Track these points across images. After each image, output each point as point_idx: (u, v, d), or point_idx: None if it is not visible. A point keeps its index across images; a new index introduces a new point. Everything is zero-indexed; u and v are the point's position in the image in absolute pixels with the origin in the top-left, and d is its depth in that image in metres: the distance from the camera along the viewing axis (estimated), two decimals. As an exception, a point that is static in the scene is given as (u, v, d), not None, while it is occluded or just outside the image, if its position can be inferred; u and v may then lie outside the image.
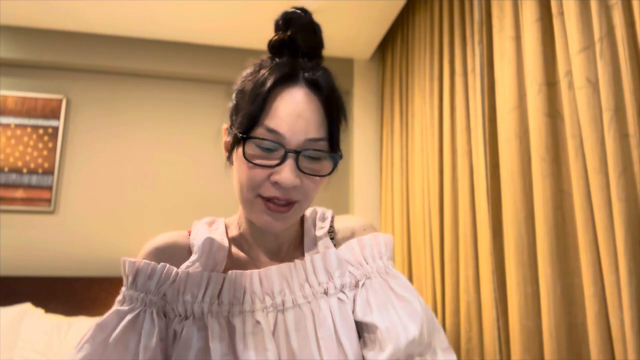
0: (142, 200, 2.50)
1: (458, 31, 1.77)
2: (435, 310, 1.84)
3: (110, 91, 2.59)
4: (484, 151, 1.52)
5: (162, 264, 0.60)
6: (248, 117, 0.57)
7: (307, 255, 0.65)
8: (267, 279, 0.62)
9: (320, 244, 0.67)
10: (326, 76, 0.61)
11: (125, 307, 0.58)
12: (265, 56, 0.63)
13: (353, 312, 0.62)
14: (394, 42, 2.54)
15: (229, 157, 0.63)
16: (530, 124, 1.29)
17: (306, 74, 0.59)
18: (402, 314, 0.60)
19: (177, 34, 2.53)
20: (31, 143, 2.43)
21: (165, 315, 0.60)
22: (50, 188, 2.41)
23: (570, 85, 1.15)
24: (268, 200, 0.58)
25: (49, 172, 2.42)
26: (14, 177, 2.38)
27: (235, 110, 0.62)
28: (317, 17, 0.65)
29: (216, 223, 0.70)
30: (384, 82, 2.68)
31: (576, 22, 1.12)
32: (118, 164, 2.52)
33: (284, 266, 0.63)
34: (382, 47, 2.73)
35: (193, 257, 0.62)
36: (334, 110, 0.60)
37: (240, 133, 0.57)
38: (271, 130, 0.56)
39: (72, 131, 2.51)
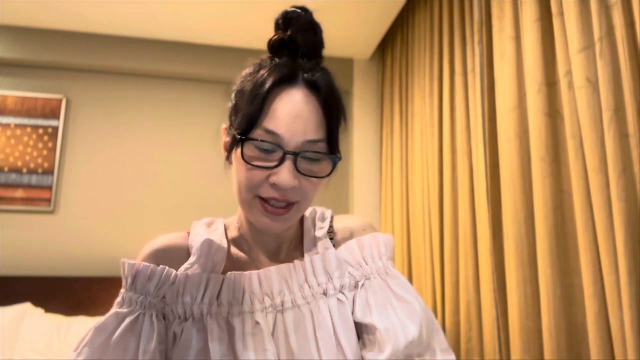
0: (142, 200, 2.50)
1: (458, 31, 1.77)
2: (435, 310, 1.84)
3: (110, 91, 2.59)
4: (484, 151, 1.52)
5: (161, 266, 0.60)
6: (247, 119, 0.57)
7: (306, 256, 0.65)
8: (267, 280, 0.62)
9: (320, 244, 0.67)
10: (325, 77, 0.60)
11: (124, 310, 0.58)
12: (265, 56, 0.63)
13: (352, 313, 0.62)
14: (394, 42, 2.54)
15: (228, 157, 0.63)
16: (530, 124, 1.29)
17: (305, 75, 0.59)
18: (401, 315, 0.60)
19: (177, 34, 2.53)
20: (31, 143, 2.43)
21: (165, 318, 0.60)
22: (50, 188, 2.41)
23: (570, 85, 1.15)
24: (266, 201, 0.58)
25: (49, 172, 2.42)
26: (14, 177, 2.38)
27: (235, 110, 0.61)
28: (317, 17, 0.64)
29: (215, 224, 0.70)
30: (384, 82, 2.68)
31: (576, 22, 1.12)
32: (118, 164, 2.52)
33: (284, 267, 0.63)
34: (382, 47, 2.73)
35: (192, 259, 0.62)
36: (333, 112, 0.60)
37: (239, 134, 0.57)
38: (270, 132, 0.56)
39: (72, 131, 2.51)
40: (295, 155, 0.56)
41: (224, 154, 0.65)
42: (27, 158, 2.41)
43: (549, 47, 1.26)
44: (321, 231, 0.69)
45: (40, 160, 2.42)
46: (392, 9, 2.28)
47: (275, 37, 0.62)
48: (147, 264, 0.60)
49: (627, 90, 1.00)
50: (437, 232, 1.83)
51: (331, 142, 0.59)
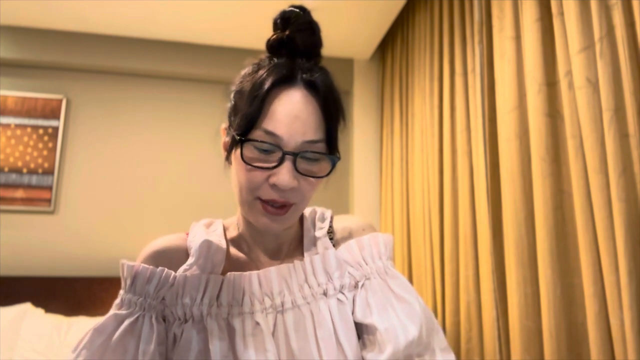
0: (142, 200, 2.51)
1: (458, 31, 1.77)
2: (435, 310, 1.84)
3: (110, 91, 2.59)
4: (484, 151, 1.52)
5: (160, 267, 0.60)
6: (246, 119, 0.57)
7: (306, 256, 0.65)
8: (266, 280, 0.62)
9: (320, 244, 0.67)
10: (324, 77, 0.60)
11: (123, 311, 0.58)
12: (264, 56, 0.63)
13: (352, 313, 0.62)
14: (394, 42, 2.54)
15: (227, 158, 0.63)
16: (530, 124, 1.29)
17: (304, 75, 0.59)
18: (401, 315, 0.60)
19: (177, 34, 2.53)
20: (31, 143, 2.43)
21: (164, 319, 0.60)
22: (50, 188, 2.41)
23: (570, 85, 1.15)
24: (266, 202, 0.58)
25: (49, 172, 2.42)
26: (14, 177, 2.38)
27: (234, 111, 0.61)
28: (317, 17, 0.64)
29: (214, 225, 0.70)
30: (384, 82, 2.68)
31: (576, 22, 1.12)
32: (118, 164, 2.52)
33: (283, 267, 0.63)
34: (382, 47, 2.72)
35: (190, 259, 0.62)
36: (332, 111, 0.60)
37: (238, 135, 0.57)
38: (269, 133, 0.56)
39: (72, 131, 2.51)
40: (295, 155, 0.56)
41: (223, 154, 0.65)
42: (27, 158, 2.41)
43: (549, 47, 1.26)
44: (321, 231, 0.69)
45: (40, 160, 2.42)
46: (392, 9, 2.28)
47: (274, 36, 0.62)
48: (146, 265, 0.60)
49: (627, 90, 1.00)
50: (437, 232, 1.83)
51: (330, 142, 0.59)
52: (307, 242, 0.68)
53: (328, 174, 0.60)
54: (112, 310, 0.59)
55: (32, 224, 2.37)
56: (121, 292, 0.61)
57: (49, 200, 2.39)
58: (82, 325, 2.02)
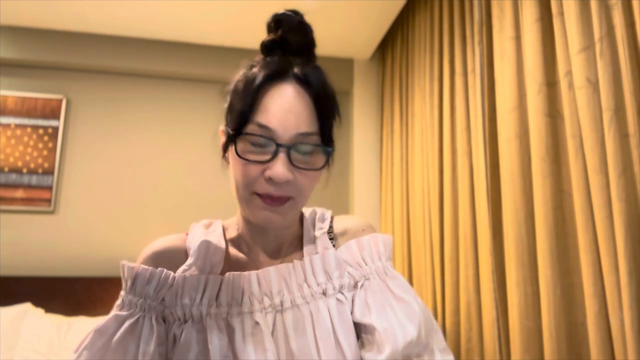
0: (142, 200, 2.51)
1: (458, 31, 1.77)
2: (435, 310, 1.84)
3: (110, 91, 2.59)
4: (484, 151, 1.52)
5: (159, 268, 0.60)
6: (239, 115, 0.58)
7: (305, 256, 0.65)
8: (266, 280, 0.62)
9: (319, 244, 0.67)
10: (317, 73, 0.61)
11: (124, 313, 0.59)
12: (258, 57, 0.64)
13: (351, 313, 0.62)
14: (394, 42, 2.54)
15: (224, 156, 0.64)
16: (530, 124, 1.29)
17: (296, 70, 0.60)
18: (400, 315, 0.60)
19: (177, 34, 2.53)
20: (31, 143, 2.43)
21: (164, 320, 0.60)
22: (50, 188, 2.41)
23: (570, 85, 1.15)
24: (263, 197, 0.58)
25: (49, 172, 2.42)
26: (14, 177, 2.38)
27: (229, 110, 0.62)
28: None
29: (213, 225, 0.70)
30: (384, 82, 2.68)
31: (576, 22, 1.12)
32: (118, 164, 2.52)
33: (283, 267, 0.63)
34: (382, 47, 2.73)
35: (189, 260, 0.62)
36: (324, 105, 0.60)
37: (232, 131, 0.58)
38: (262, 126, 0.57)
39: (72, 131, 2.51)
40: (289, 147, 0.57)
41: (221, 155, 0.65)
42: (27, 158, 2.41)
43: (549, 47, 1.26)
44: (320, 231, 0.69)
45: (40, 160, 2.42)
46: (392, 9, 2.28)
47: (267, 38, 0.64)
48: (146, 266, 0.60)
49: (627, 90, 1.00)
50: (437, 232, 1.83)
51: (323, 135, 0.60)
52: (306, 242, 0.68)
53: (323, 167, 0.61)
54: (113, 312, 0.60)
55: (32, 224, 2.37)
56: (122, 293, 0.61)
57: (49, 200, 2.39)
58: (82, 325, 2.02)
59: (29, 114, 2.45)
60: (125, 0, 2.18)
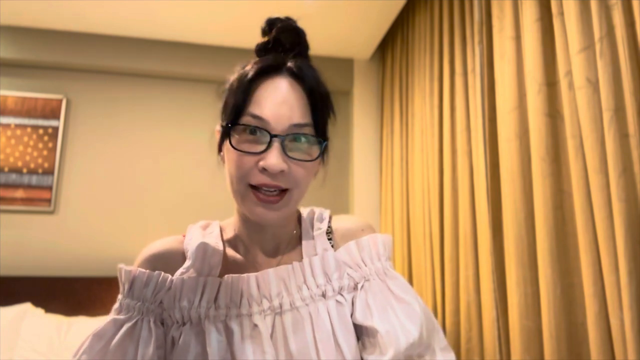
0: (142, 200, 2.51)
1: (458, 31, 1.77)
2: (435, 310, 1.84)
3: (110, 91, 2.59)
4: (484, 151, 1.52)
5: (157, 271, 0.60)
6: (233, 108, 0.58)
7: (305, 257, 0.65)
8: (264, 282, 0.62)
9: (319, 245, 0.67)
10: (310, 68, 0.62)
11: (122, 316, 0.59)
12: (252, 59, 0.65)
13: (352, 314, 0.62)
14: (394, 42, 2.54)
15: (220, 154, 0.64)
16: (530, 124, 1.29)
17: (289, 64, 0.61)
18: (401, 317, 0.60)
19: (177, 34, 2.53)
20: (31, 143, 2.43)
21: (162, 323, 0.60)
22: (50, 188, 2.41)
23: (570, 85, 1.15)
24: (258, 190, 0.58)
25: (49, 172, 2.42)
26: (14, 177, 2.38)
27: (224, 107, 0.63)
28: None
29: (211, 226, 0.70)
30: (384, 82, 2.68)
31: (576, 22, 1.12)
32: (118, 164, 2.52)
33: (282, 269, 0.63)
34: (382, 47, 2.72)
35: (187, 262, 0.62)
36: (318, 98, 0.61)
37: (226, 123, 0.59)
38: (256, 117, 0.57)
39: (72, 131, 2.51)
40: (282, 138, 0.57)
41: (218, 155, 0.66)
42: (27, 158, 2.41)
43: (549, 47, 1.26)
44: (319, 231, 0.69)
45: (40, 160, 2.42)
46: (392, 9, 2.28)
47: (261, 40, 0.65)
48: (143, 269, 0.60)
49: (627, 90, 1.00)
50: (437, 232, 1.83)
51: (317, 127, 0.60)
52: (305, 242, 0.67)
53: (317, 158, 0.61)
54: (111, 315, 0.60)
55: (32, 224, 2.37)
56: (119, 296, 0.61)
57: (49, 200, 2.39)
58: (82, 325, 2.02)
59: (29, 114, 2.45)
60: (125, 0, 2.18)
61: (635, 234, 0.96)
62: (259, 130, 0.57)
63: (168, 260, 0.63)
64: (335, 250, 0.66)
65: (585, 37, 1.10)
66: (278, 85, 0.59)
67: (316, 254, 0.65)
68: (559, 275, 1.16)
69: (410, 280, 2.11)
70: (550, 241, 1.18)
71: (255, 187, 0.58)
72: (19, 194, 2.37)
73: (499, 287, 1.39)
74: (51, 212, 2.40)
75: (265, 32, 0.66)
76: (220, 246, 0.65)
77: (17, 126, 2.43)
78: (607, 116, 1.02)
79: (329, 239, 0.68)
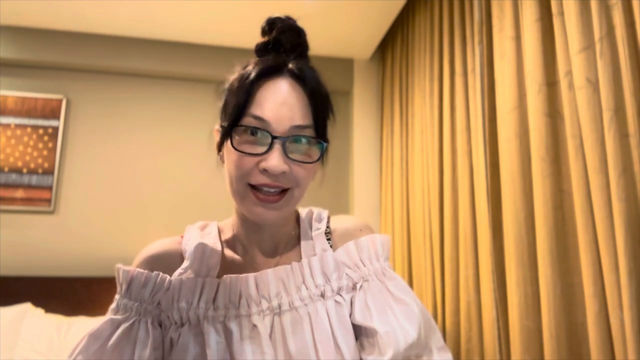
0: (142, 200, 2.51)
1: (458, 31, 1.77)
2: (435, 311, 1.84)
3: (110, 91, 2.59)
4: (484, 151, 1.52)
5: (155, 272, 0.60)
6: (234, 109, 0.58)
7: (304, 258, 0.65)
8: (263, 282, 0.62)
9: (318, 245, 0.67)
10: (312, 71, 0.62)
11: (119, 316, 0.58)
12: (253, 58, 0.65)
13: (351, 315, 0.61)
14: (394, 42, 2.54)
15: (220, 154, 0.64)
16: (530, 124, 1.29)
17: (290, 65, 0.61)
18: (400, 317, 0.60)
19: (177, 34, 2.53)
20: (31, 143, 2.43)
21: (160, 325, 0.60)
22: (50, 188, 2.41)
23: (570, 85, 1.15)
24: (258, 190, 0.58)
25: (49, 172, 2.42)
26: (14, 177, 2.38)
27: (224, 108, 0.63)
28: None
29: (209, 227, 0.70)
30: (384, 82, 2.68)
31: (576, 22, 1.12)
32: (118, 164, 2.52)
33: (280, 269, 0.63)
34: (382, 47, 2.72)
35: (185, 263, 0.62)
36: (318, 99, 0.61)
37: (227, 124, 0.59)
38: (257, 118, 0.57)
39: (72, 131, 2.51)
40: (284, 139, 0.57)
41: (216, 153, 0.66)
42: (27, 158, 2.41)
43: (549, 47, 1.26)
44: (318, 231, 0.69)
45: (40, 160, 2.42)
46: (392, 9, 2.28)
47: (261, 40, 0.65)
48: (142, 270, 0.60)
49: (627, 90, 1.00)
50: (437, 232, 1.83)
51: (318, 129, 0.60)
52: (304, 243, 0.67)
53: (318, 159, 0.61)
54: (108, 315, 0.59)
55: (32, 224, 2.37)
56: (117, 297, 0.61)
57: (49, 200, 2.39)
58: (82, 325, 2.02)
59: (29, 114, 2.45)
60: (125, 0, 2.18)
61: (635, 234, 0.96)
62: (260, 131, 0.57)
63: (166, 261, 0.63)
64: (334, 251, 0.66)
65: (585, 37, 1.10)
66: (279, 86, 0.59)
67: (315, 254, 0.65)
68: (559, 275, 1.16)
69: (410, 280, 2.11)
70: (550, 241, 1.18)
71: (254, 187, 0.58)
72: (19, 194, 2.37)
73: (499, 287, 1.39)
74: (51, 212, 2.40)
75: (265, 31, 0.65)
76: (218, 247, 0.65)
77: (17, 126, 2.43)
78: (607, 116, 1.02)
79: (328, 239, 0.68)
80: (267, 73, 0.59)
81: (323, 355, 0.57)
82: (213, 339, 0.57)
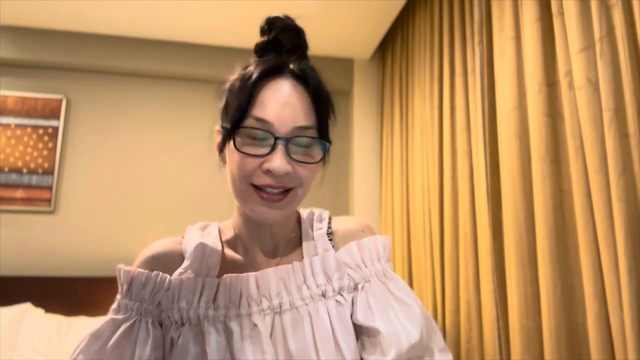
0: (142, 200, 2.51)
1: (458, 31, 1.77)
2: (435, 311, 1.84)
3: (110, 91, 2.59)
4: (484, 151, 1.52)
5: (155, 272, 0.60)
6: (237, 110, 0.58)
7: (305, 257, 0.65)
8: (264, 282, 0.62)
9: (319, 245, 0.67)
10: (312, 71, 0.62)
11: (120, 316, 0.59)
12: (253, 58, 0.65)
13: (352, 315, 0.61)
14: (394, 42, 2.54)
15: (221, 155, 0.64)
16: (530, 124, 1.29)
17: (292, 66, 0.61)
18: (402, 318, 0.60)
19: (177, 34, 2.53)
20: (31, 143, 2.43)
21: (161, 324, 0.60)
22: (50, 188, 2.41)
23: (570, 85, 1.15)
24: (261, 190, 0.58)
25: (49, 172, 2.42)
26: (14, 177, 2.38)
27: (225, 108, 0.63)
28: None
29: (209, 227, 0.70)
30: (384, 82, 2.68)
31: (576, 22, 1.12)
32: (118, 164, 2.52)
33: (281, 268, 0.63)
34: (382, 47, 2.72)
35: (185, 263, 0.62)
36: (320, 100, 0.61)
37: (229, 125, 0.58)
38: (260, 119, 0.57)
39: (72, 131, 2.51)
40: (287, 140, 0.57)
41: (218, 154, 0.65)
42: (27, 158, 2.41)
43: (549, 47, 1.26)
44: (319, 232, 0.69)
45: (40, 160, 2.42)
46: (392, 9, 2.28)
47: (261, 40, 0.65)
48: (142, 270, 0.60)
49: (627, 90, 1.00)
50: (437, 232, 1.83)
51: (321, 129, 0.60)
52: (306, 243, 0.67)
53: (321, 160, 0.61)
54: (109, 315, 0.60)
55: (32, 223, 2.37)
56: (118, 296, 0.61)
57: (49, 200, 2.39)
58: (82, 325, 2.02)
59: (29, 114, 2.45)
60: (125, 0, 2.18)
61: (635, 234, 0.96)
62: (263, 132, 0.57)
63: (167, 261, 0.63)
64: (335, 251, 0.66)
65: (585, 37, 1.10)
66: (281, 87, 0.59)
67: (317, 254, 0.65)
68: (559, 275, 1.16)
69: (410, 281, 2.11)
70: (550, 241, 1.18)
71: (257, 186, 0.59)
72: (19, 194, 2.37)
73: (499, 287, 1.39)
74: (51, 212, 2.40)
75: (264, 31, 0.65)
76: (218, 246, 0.65)
77: (17, 126, 2.43)
78: (607, 116, 1.02)
79: (330, 240, 0.68)
80: (269, 73, 0.59)
81: (323, 355, 0.57)
82: (213, 339, 0.57)
